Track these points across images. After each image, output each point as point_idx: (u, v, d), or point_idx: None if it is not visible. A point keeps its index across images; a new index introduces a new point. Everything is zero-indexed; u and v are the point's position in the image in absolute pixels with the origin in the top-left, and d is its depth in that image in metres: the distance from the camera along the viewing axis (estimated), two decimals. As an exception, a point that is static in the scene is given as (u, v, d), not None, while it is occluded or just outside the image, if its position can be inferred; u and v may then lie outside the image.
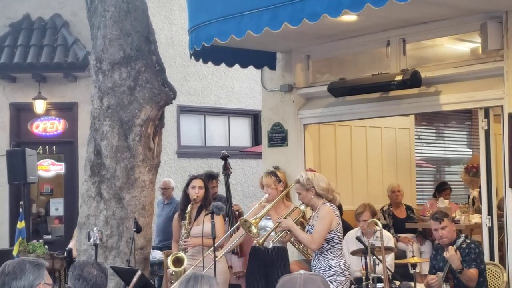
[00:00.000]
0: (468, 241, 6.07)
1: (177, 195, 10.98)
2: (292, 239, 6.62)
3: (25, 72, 11.12)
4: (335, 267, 5.67)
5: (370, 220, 6.65)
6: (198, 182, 6.58)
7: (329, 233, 5.65)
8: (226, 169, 8.38)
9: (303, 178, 5.68)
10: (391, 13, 6.35)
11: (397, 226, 8.53)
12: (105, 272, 3.97)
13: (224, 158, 8.46)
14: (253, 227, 5.87)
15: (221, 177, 8.28)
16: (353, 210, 7.44)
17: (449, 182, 10.10)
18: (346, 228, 7.40)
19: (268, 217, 6.21)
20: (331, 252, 5.69)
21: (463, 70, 6.79)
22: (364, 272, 6.03)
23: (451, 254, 5.85)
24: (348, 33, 7.35)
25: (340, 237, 5.77)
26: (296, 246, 7.03)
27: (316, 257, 5.75)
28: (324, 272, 5.62)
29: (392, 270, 6.80)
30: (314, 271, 5.64)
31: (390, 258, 6.85)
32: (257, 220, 5.91)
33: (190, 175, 6.85)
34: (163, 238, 9.74)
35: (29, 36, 11.41)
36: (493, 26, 6.39)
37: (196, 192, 6.51)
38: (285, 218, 5.79)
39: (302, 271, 2.74)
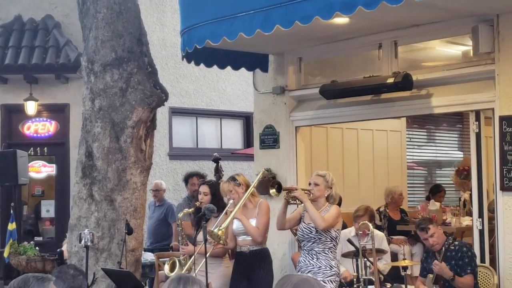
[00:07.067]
0: (456, 243, 6.08)
1: (169, 196, 10.98)
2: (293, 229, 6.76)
3: (16, 73, 11.09)
4: (335, 267, 5.83)
5: (362, 222, 6.66)
6: (203, 188, 6.60)
7: (335, 231, 5.83)
8: (218, 171, 8.40)
9: (330, 177, 5.93)
10: (382, 16, 6.37)
11: (391, 227, 8.56)
12: (82, 273, 3.96)
13: (216, 160, 8.47)
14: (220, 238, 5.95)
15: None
16: (345, 212, 7.42)
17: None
18: (343, 226, 7.45)
19: (239, 222, 6.23)
20: (331, 252, 5.83)
21: (455, 73, 6.81)
22: (355, 274, 6.05)
23: (439, 268, 5.88)
24: (340, 36, 7.36)
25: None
26: (296, 237, 7.13)
27: (316, 256, 5.78)
28: (325, 272, 5.73)
29: (389, 268, 6.84)
30: (312, 270, 5.71)
31: (386, 255, 6.89)
32: (223, 230, 5.90)
33: (201, 181, 6.88)
34: (154, 240, 9.72)
35: (20, 37, 11.38)
36: (485, 29, 6.42)
37: (201, 197, 6.53)
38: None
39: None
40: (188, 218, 7.63)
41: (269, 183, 7.77)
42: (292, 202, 5.91)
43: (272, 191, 5.86)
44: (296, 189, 5.85)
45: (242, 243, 6.29)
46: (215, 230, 5.88)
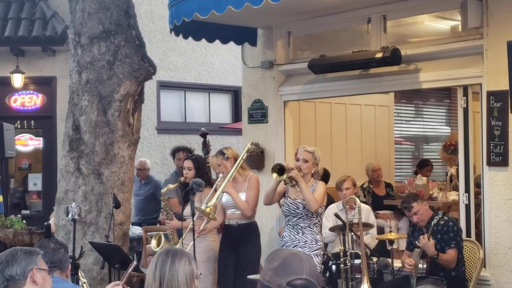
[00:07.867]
0: (446, 218, 6.12)
1: (157, 171, 10.97)
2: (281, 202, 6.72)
3: (2, 46, 10.97)
4: (320, 241, 5.91)
5: (349, 197, 6.68)
6: (186, 163, 6.58)
7: (321, 207, 5.90)
8: (206, 146, 8.38)
9: (318, 153, 6.01)
10: (372, -10, 6.34)
11: (376, 203, 8.60)
12: (64, 246, 3.95)
13: (203, 135, 8.45)
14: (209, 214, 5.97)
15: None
16: (332, 187, 7.47)
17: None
18: (330, 201, 7.46)
19: (229, 196, 6.23)
20: (317, 227, 5.91)
21: (443, 48, 6.81)
22: (342, 248, 6.09)
23: (424, 243, 5.90)
24: (329, 10, 7.33)
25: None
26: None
27: (301, 230, 5.81)
28: (311, 246, 5.79)
29: (375, 243, 6.87)
30: (298, 244, 5.75)
31: (372, 230, 6.93)
32: (211, 207, 5.92)
33: (185, 156, 6.86)
34: (142, 216, 9.70)
35: (7, 9, 11.24)
36: (473, 4, 6.40)
37: (185, 172, 6.52)
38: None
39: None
40: (175, 195, 7.62)
41: (258, 158, 7.74)
42: (287, 182, 5.90)
43: (274, 175, 5.83)
44: (293, 169, 5.84)
45: (231, 216, 6.30)
46: (203, 207, 5.89)
